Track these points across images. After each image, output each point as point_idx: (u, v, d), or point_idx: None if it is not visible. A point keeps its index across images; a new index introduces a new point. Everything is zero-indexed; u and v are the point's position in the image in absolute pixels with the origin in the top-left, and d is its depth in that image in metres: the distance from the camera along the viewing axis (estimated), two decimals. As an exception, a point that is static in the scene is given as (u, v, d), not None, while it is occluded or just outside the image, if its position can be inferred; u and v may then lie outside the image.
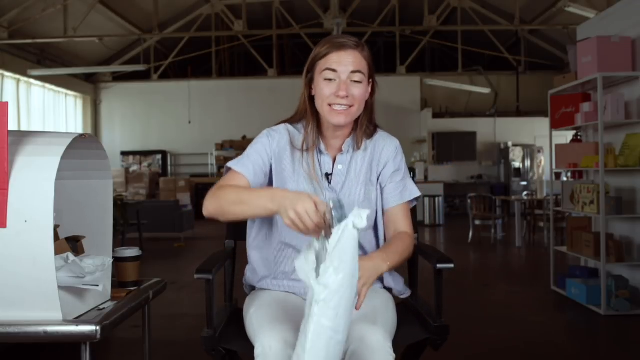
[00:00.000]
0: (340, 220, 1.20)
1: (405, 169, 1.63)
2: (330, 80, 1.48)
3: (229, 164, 1.54)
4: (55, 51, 11.59)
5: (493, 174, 13.11)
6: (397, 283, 1.66)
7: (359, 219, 1.17)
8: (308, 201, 1.23)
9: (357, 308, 1.26)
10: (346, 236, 1.17)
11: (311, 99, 1.55)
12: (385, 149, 1.61)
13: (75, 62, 12.36)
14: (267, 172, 1.55)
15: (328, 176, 1.57)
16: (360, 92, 1.50)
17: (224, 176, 1.53)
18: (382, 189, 1.60)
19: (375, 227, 1.61)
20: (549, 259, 4.73)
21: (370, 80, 1.54)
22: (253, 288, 1.66)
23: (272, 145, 1.56)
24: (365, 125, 1.58)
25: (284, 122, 1.62)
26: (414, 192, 1.62)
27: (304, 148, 1.56)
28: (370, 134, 1.61)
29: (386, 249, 1.50)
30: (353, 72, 1.48)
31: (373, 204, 1.58)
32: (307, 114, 1.56)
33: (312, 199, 1.24)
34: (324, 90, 1.49)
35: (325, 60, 1.49)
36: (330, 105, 1.49)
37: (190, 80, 13.65)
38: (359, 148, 1.58)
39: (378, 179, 1.60)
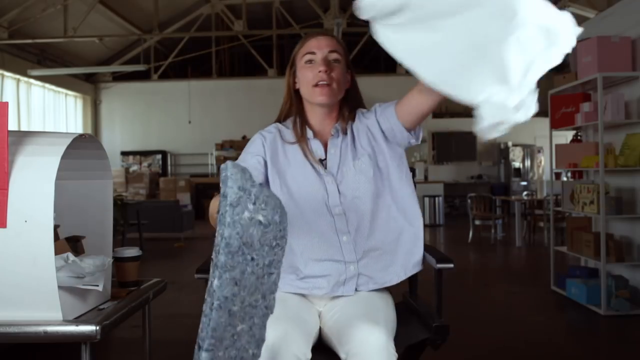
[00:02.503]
0: (225, 194, 1.04)
1: (380, 104, 1.65)
2: (310, 62, 1.58)
3: None
4: (55, 51, 11.58)
5: (493, 174, 13.11)
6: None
7: None
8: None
9: None
10: None
11: (296, 91, 1.64)
12: (361, 118, 1.65)
13: (75, 62, 12.35)
14: (264, 172, 1.60)
15: (322, 161, 1.60)
16: (338, 72, 1.59)
17: None
18: (384, 125, 1.59)
19: (376, 198, 1.58)
20: (549, 259, 4.73)
21: (349, 70, 1.64)
22: None
23: (266, 144, 1.63)
24: (347, 111, 1.64)
25: (275, 121, 1.71)
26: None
27: (295, 139, 1.62)
28: (354, 118, 1.67)
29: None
30: (330, 51, 1.58)
31: (367, 173, 1.58)
32: (292, 105, 1.66)
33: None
34: (306, 73, 1.58)
35: (305, 47, 1.61)
36: (314, 86, 1.57)
37: (190, 80, 13.64)
38: (345, 133, 1.63)
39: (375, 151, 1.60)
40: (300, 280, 1.56)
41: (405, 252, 1.60)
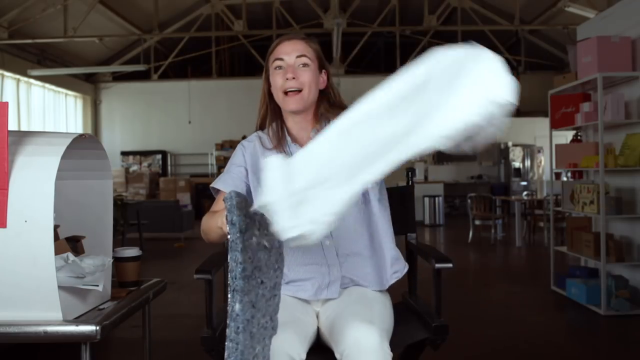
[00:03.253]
0: (234, 222, 1.12)
1: None
2: (279, 68, 1.56)
3: (212, 184, 1.63)
4: (55, 51, 11.58)
5: (493, 174, 13.11)
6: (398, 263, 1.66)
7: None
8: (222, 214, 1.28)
9: None
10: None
11: (271, 95, 1.63)
12: None
13: (75, 62, 12.35)
14: (247, 181, 1.61)
15: None
16: (308, 76, 1.56)
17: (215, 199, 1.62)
18: None
19: (360, 204, 1.60)
20: (549, 259, 4.73)
21: (324, 71, 1.62)
22: None
23: (246, 154, 1.63)
24: (324, 110, 1.63)
25: (256, 130, 1.70)
26: None
27: (274, 145, 1.60)
28: (337, 117, 1.65)
29: None
30: (298, 56, 1.56)
31: None
32: (268, 110, 1.64)
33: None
34: (276, 80, 1.57)
35: (274, 52, 1.59)
36: (284, 92, 1.56)
37: (190, 80, 13.65)
38: None
39: None
40: (285, 285, 1.56)
41: (385, 264, 1.61)
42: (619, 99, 3.90)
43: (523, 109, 13.22)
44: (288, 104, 1.56)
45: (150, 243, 7.54)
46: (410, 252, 1.85)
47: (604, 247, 3.82)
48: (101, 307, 1.51)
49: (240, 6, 11.66)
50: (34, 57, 11.12)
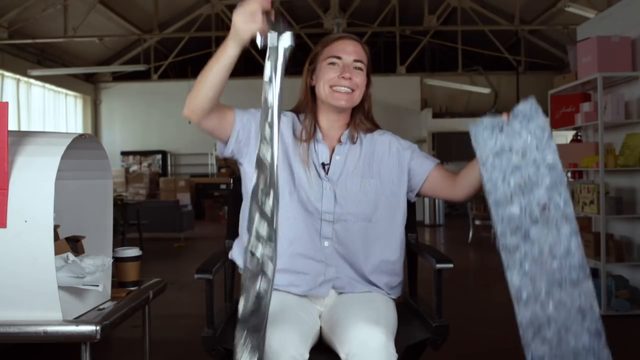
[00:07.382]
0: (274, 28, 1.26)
1: (416, 146, 1.71)
2: (334, 64, 1.55)
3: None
4: (55, 51, 11.58)
5: (493, 174, 13.09)
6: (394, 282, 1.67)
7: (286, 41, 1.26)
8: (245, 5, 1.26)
9: None
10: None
11: (311, 89, 1.61)
12: (386, 143, 1.66)
13: (75, 62, 12.35)
14: (248, 135, 1.58)
15: (324, 166, 1.60)
16: (361, 79, 1.58)
17: None
18: (410, 172, 1.66)
19: (376, 221, 1.61)
20: (549, 259, 4.72)
21: (367, 77, 1.63)
22: None
23: (285, 119, 1.61)
24: (360, 118, 1.64)
25: (291, 110, 1.67)
26: (435, 159, 1.71)
27: (303, 137, 1.59)
28: (367, 129, 1.66)
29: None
30: (355, 60, 1.56)
31: (370, 198, 1.59)
32: (307, 103, 1.63)
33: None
34: (327, 73, 1.55)
35: (329, 48, 1.57)
36: (332, 87, 1.55)
37: (190, 80, 13.62)
38: (354, 142, 1.62)
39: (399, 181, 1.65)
40: (278, 273, 1.51)
41: (385, 279, 1.62)
42: (619, 99, 3.90)
43: (523, 109, 13.23)
44: (338, 100, 1.55)
45: (150, 243, 7.54)
46: (410, 252, 1.85)
47: (604, 247, 3.82)
48: (101, 307, 1.51)
49: (240, 6, 11.66)
50: (34, 57, 11.12)
